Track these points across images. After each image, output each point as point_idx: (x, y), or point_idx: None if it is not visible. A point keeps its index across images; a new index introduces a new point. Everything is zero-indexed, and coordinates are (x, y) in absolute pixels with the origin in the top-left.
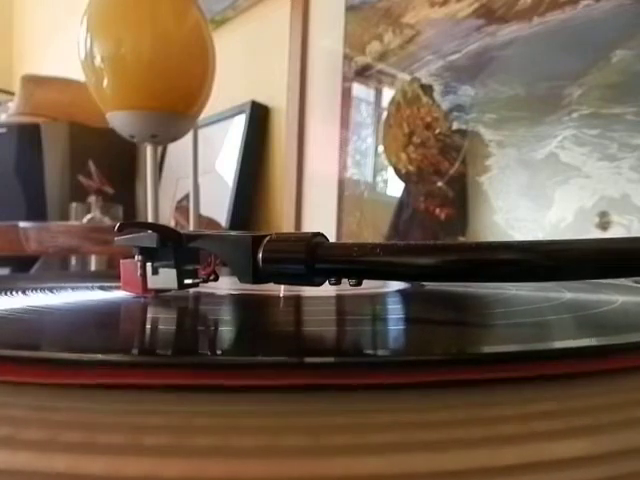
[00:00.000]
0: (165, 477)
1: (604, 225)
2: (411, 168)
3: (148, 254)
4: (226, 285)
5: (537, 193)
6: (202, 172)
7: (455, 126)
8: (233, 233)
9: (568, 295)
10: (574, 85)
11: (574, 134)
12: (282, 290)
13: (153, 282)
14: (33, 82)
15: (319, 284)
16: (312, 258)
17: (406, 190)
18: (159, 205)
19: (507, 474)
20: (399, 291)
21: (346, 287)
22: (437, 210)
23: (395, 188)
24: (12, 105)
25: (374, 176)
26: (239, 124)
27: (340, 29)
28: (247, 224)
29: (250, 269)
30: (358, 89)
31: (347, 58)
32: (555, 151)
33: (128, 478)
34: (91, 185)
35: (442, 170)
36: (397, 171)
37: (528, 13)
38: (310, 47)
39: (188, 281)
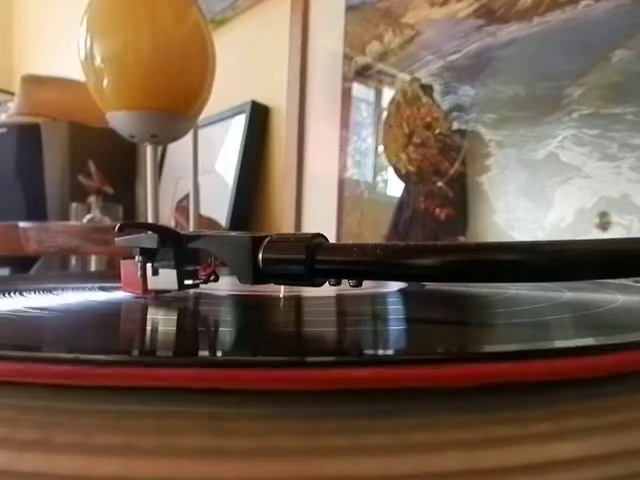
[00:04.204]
0: (156, 477)
1: (604, 225)
2: (411, 168)
3: (148, 255)
4: (226, 286)
5: (537, 193)
6: (202, 172)
7: (455, 126)
8: (233, 234)
9: (568, 294)
10: (574, 85)
11: (574, 134)
12: (282, 291)
13: (153, 283)
14: (33, 82)
15: (319, 285)
16: (312, 259)
17: (406, 190)
18: (159, 205)
19: (506, 476)
20: (399, 291)
21: (346, 287)
22: (437, 210)
23: (395, 188)
24: (12, 105)
25: (374, 176)
26: (239, 124)
27: (340, 29)
28: (247, 224)
29: (250, 270)
30: (358, 89)
31: (347, 58)
32: (555, 151)
33: (128, 478)
34: (91, 185)
35: (442, 170)
36: (397, 171)
37: (528, 13)
38: (310, 47)
39: (188, 282)
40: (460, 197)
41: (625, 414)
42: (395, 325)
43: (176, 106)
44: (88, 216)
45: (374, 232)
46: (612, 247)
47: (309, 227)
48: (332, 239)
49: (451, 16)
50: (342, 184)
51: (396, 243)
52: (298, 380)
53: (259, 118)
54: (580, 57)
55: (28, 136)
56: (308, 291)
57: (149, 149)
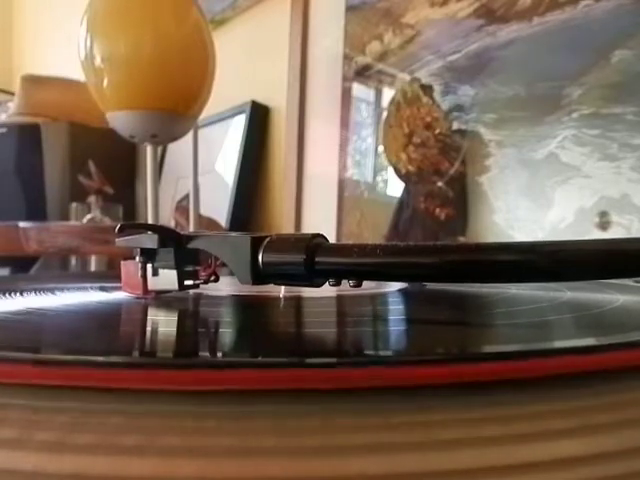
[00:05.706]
0: (146, 477)
1: (604, 225)
2: (411, 168)
3: (149, 255)
4: (226, 286)
5: (537, 193)
6: (202, 172)
7: (455, 126)
8: (233, 234)
9: (569, 294)
10: (574, 85)
11: (574, 134)
12: (282, 291)
13: (153, 283)
14: (33, 82)
15: (319, 285)
16: (312, 259)
17: (406, 190)
18: (159, 205)
19: (509, 474)
20: (400, 291)
21: (346, 288)
22: (437, 210)
23: (395, 188)
24: (12, 105)
25: (374, 176)
26: (239, 124)
27: (340, 29)
28: (247, 224)
29: (250, 270)
30: (358, 89)
31: (347, 58)
32: (555, 151)
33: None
34: (91, 185)
35: (442, 170)
36: (397, 171)
37: (528, 13)
38: (310, 47)
39: (188, 282)
40: (460, 197)
41: (624, 412)
42: (395, 325)
43: (176, 106)
44: (88, 216)
45: (374, 232)
46: (612, 247)
47: (309, 227)
48: (332, 239)
49: (451, 16)
50: (342, 184)
51: (396, 243)
52: (298, 381)
53: (259, 118)
54: (580, 57)
55: (28, 136)
56: (308, 291)
57: (149, 149)
